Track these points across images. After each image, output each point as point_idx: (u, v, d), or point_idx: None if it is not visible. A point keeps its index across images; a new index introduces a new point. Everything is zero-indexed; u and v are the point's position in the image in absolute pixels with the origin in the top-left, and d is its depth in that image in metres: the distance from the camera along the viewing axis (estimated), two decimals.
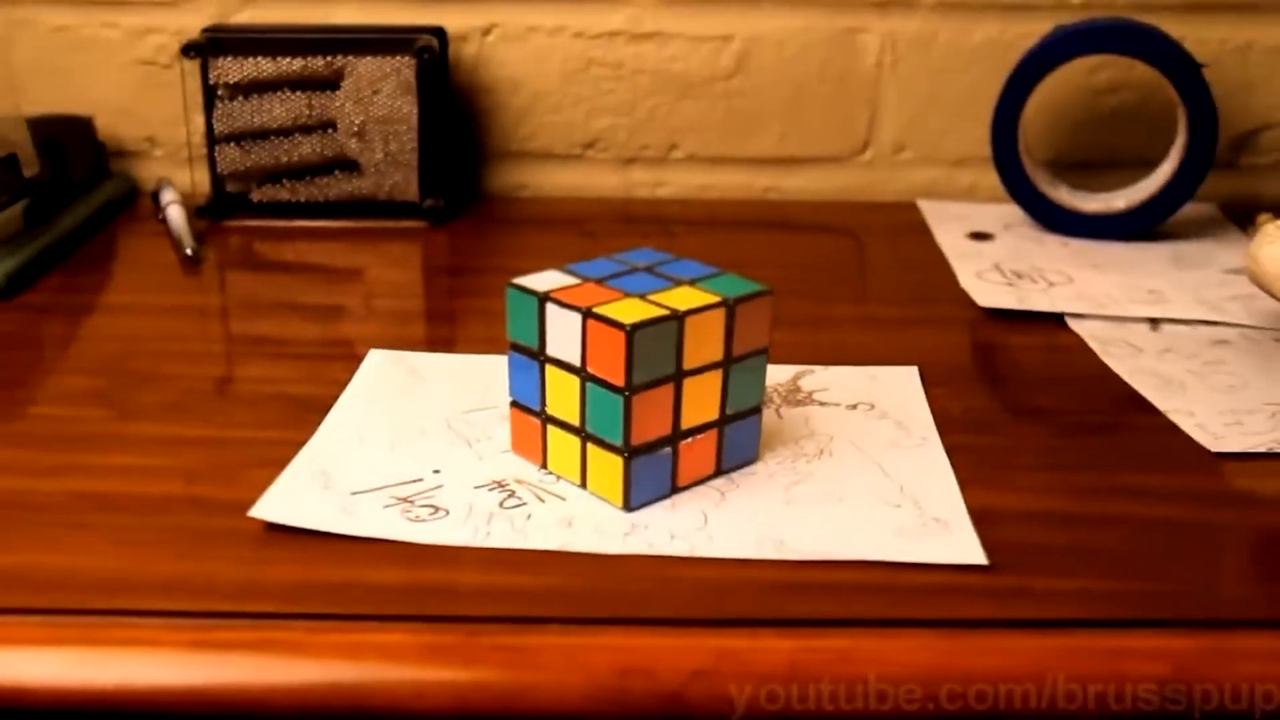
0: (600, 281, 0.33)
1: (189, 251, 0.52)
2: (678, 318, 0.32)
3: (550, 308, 0.32)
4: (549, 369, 0.33)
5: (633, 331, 0.31)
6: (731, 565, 0.30)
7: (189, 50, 0.55)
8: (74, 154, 0.56)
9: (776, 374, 0.40)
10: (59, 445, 0.36)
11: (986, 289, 0.49)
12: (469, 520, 0.32)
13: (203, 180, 0.57)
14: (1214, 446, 0.36)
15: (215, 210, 0.57)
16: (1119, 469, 0.36)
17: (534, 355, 0.33)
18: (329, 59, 0.56)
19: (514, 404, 0.35)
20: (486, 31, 0.61)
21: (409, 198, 0.57)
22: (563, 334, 0.32)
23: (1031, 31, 0.58)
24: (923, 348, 0.44)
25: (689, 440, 0.33)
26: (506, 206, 0.62)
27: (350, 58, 0.56)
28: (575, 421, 0.33)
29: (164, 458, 0.35)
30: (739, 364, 0.33)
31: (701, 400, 0.33)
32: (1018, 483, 0.35)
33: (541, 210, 0.61)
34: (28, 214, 0.51)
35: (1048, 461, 0.36)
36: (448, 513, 0.32)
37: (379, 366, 0.41)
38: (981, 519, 0.32)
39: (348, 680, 0.27)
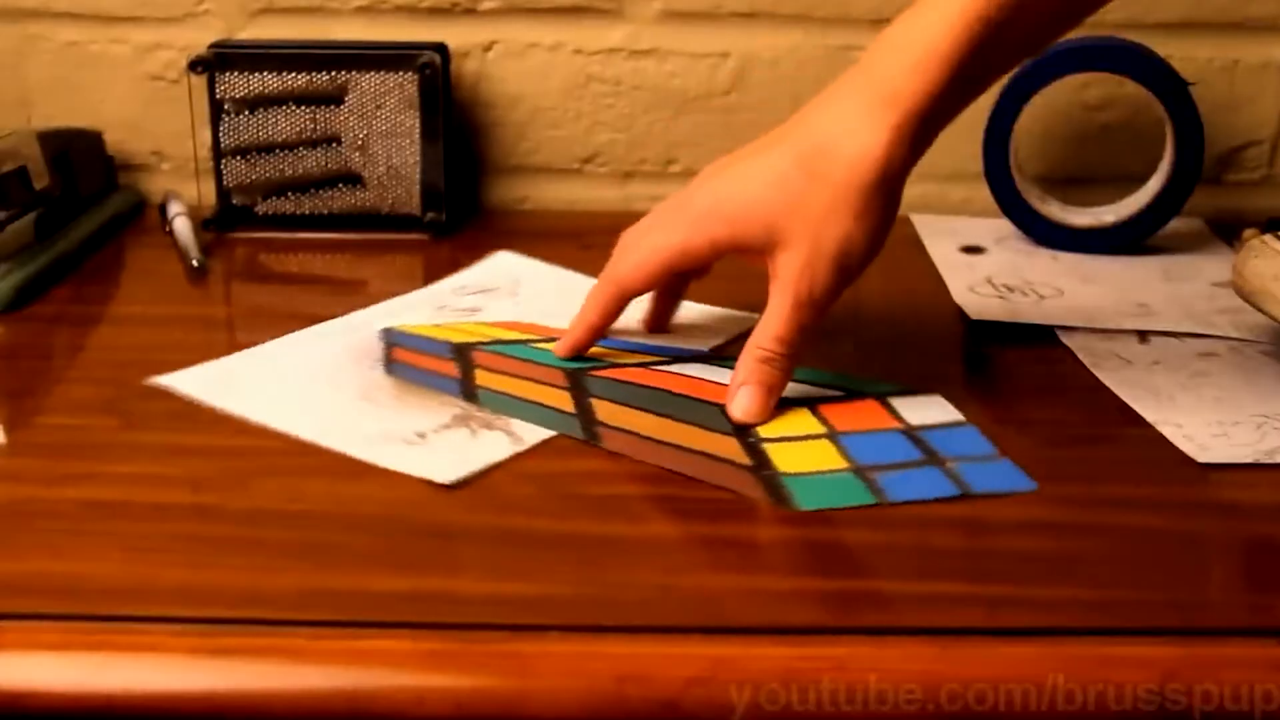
0: None
1: (195, 263, 0.53)
2: None
3: None
4: None
5: None
6: (728, 573, 0.31)
7: (196, 66, 0.56)
8: (83, 167, 0.57)
9: None
10: (68, 454, 0.37)
11: (978, 302, 0.50)
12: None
13: (209, 193, 0.58)
14: (1201, 457, 0.37)
15: (221, 222, 0.58)
16: (1108, 479, 0.36)
17: None
18: (333, 75, 0.56)
19: None
20: (488, 48, 0.62)
21: (411, 211, 0.58)
22: None
23: None
24: (915, 359, 0.44)
25: None
26: (507, 219, 0.62)
27: (354, 74, 0.56)
28: None
29: (171, 466, 0.36)
30: None
31: None
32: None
33: (541, 223, 0.62)
34: (38, 226, 0.52)
35: (1038, 472, 0.37)
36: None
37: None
38: (970, 528, 0.33)
39: (349, 686, 0.27)
